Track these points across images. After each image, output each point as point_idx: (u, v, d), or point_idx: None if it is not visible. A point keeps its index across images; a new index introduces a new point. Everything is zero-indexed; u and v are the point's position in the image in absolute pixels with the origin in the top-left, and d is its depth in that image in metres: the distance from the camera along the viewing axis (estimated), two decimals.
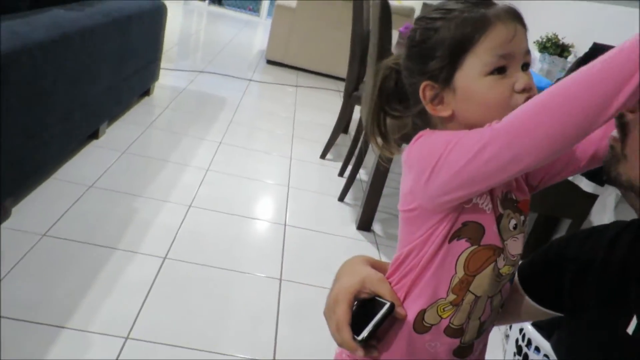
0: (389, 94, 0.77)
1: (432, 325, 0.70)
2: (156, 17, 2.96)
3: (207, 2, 8.53)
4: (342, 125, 2.98)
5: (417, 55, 0.71)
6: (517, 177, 0.74)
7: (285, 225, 2.16)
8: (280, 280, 1.79)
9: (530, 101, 0.57)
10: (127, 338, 1.39)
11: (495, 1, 0.69)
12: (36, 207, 1.85)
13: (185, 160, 2.53)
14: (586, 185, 1.70)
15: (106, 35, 2.24)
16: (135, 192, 2.12)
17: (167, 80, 3.68)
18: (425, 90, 0.70)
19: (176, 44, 5.09)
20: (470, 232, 0.67)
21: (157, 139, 2.73)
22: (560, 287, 0.76)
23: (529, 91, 0.66)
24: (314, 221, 2.25)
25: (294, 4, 4.95)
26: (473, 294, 0.69)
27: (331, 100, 4.29)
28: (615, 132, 0.64)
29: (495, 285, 0.71)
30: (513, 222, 0.71)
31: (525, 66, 0.68)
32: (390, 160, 1.96)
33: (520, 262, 0.85)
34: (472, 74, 0.66)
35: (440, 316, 0.69)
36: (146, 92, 3.21)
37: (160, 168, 2.39)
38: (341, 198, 2.50)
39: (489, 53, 0.65)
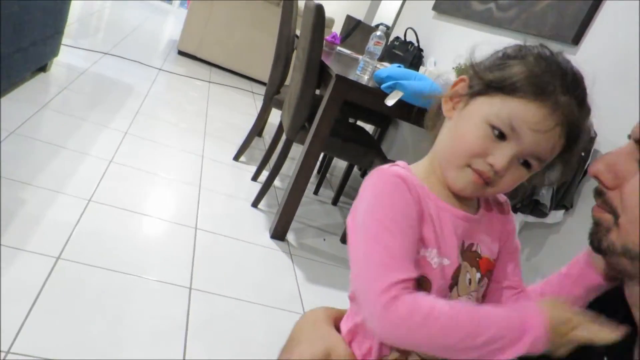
0: None
1: None
2: None
3: None
4: (258, 127, 2.88)
5: (491, 61, 0.66)
6: (492, 233, 0.71)
7: (196, 228, 2.00)
8: (190, 289, 1.64)
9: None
10: (8, 352, 1.18)
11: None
12: None
13: (85, 148, 2.27)
14: None
15: None
16: (24, 180, 1.85)
17: (66, 57, 3.33)
18: (459, 83, 0.67)
19: (77, 20, 4.67)
20: (421, 287, 0.62)
21: (53, 121, 2.43)
22: None
23: (490, 173, 0.62)
24: (226, 226, 2.12)
25: None
26: (418, 355, 0.63)
27: (243, 101, 4.15)
28: (596, 205, 0.64)
29: None
30: (468, 276, 0.66)
31: (526, 165, 0.63)
32: None
33: None
34: (482, 109, 0.63)
35: None
36: (42, 68, 2.87)
37: (55, 154, 2.12)
38: (255, 204, 2.39)
39: (507, 114, 0.60)
